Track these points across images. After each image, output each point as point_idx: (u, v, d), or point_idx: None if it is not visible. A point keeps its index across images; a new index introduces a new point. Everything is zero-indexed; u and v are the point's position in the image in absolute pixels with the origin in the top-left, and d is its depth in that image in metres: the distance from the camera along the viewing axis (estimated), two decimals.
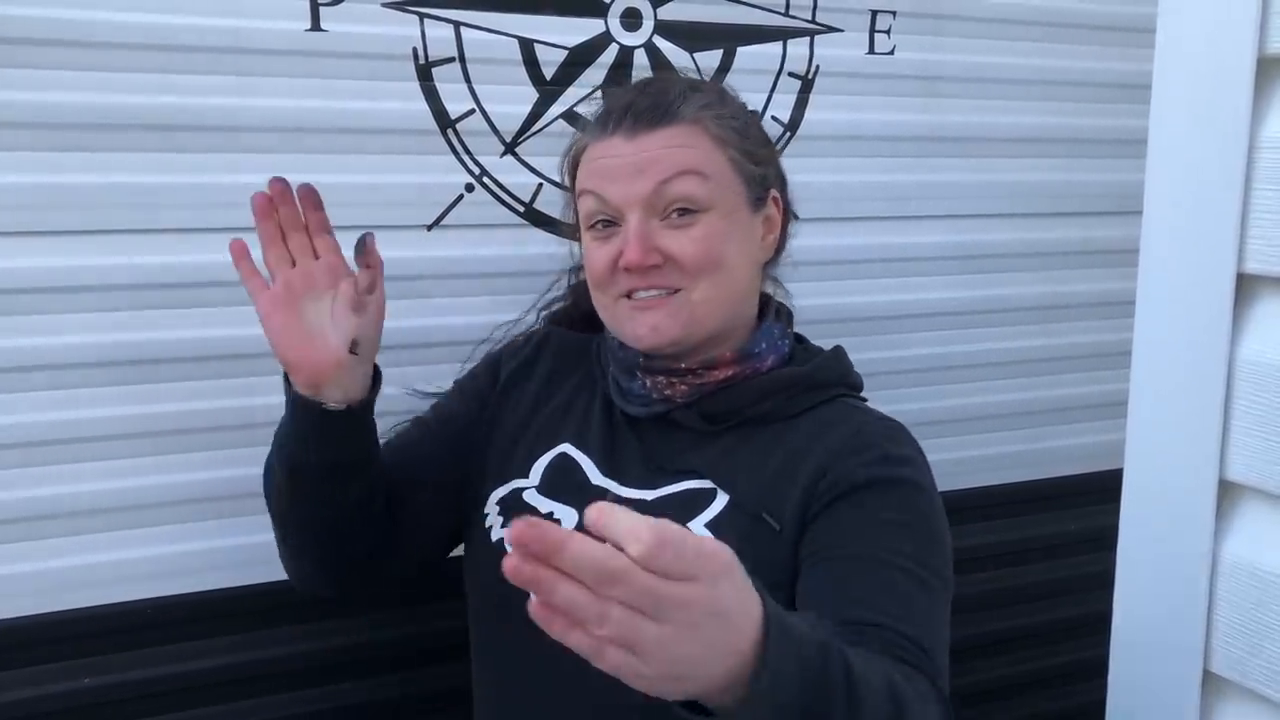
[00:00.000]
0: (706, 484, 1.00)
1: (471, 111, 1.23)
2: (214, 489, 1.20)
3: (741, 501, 0.98)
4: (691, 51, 1.31)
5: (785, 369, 1.06)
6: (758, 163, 1.03)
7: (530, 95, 1.25)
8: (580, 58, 1.26)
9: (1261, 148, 0.78)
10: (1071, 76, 1.50)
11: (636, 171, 0.98)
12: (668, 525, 0.55)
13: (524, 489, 1.05)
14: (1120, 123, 1.53)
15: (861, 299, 1.46)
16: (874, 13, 1.38)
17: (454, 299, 1.26)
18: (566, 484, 1.05)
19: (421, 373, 1.23)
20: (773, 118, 1.35)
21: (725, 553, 0.59)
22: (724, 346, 1.04)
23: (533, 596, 0.55)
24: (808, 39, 1.36)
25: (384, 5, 1.17)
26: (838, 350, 1.10)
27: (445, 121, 1.22)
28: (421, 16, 1.19)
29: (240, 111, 1.14)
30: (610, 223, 1.00)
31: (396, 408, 1.21)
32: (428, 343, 1.25)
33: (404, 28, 1.18)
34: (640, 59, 1.29)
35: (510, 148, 1.26)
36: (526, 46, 1.24)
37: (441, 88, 1.21)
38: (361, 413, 0.99)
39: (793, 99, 1.37)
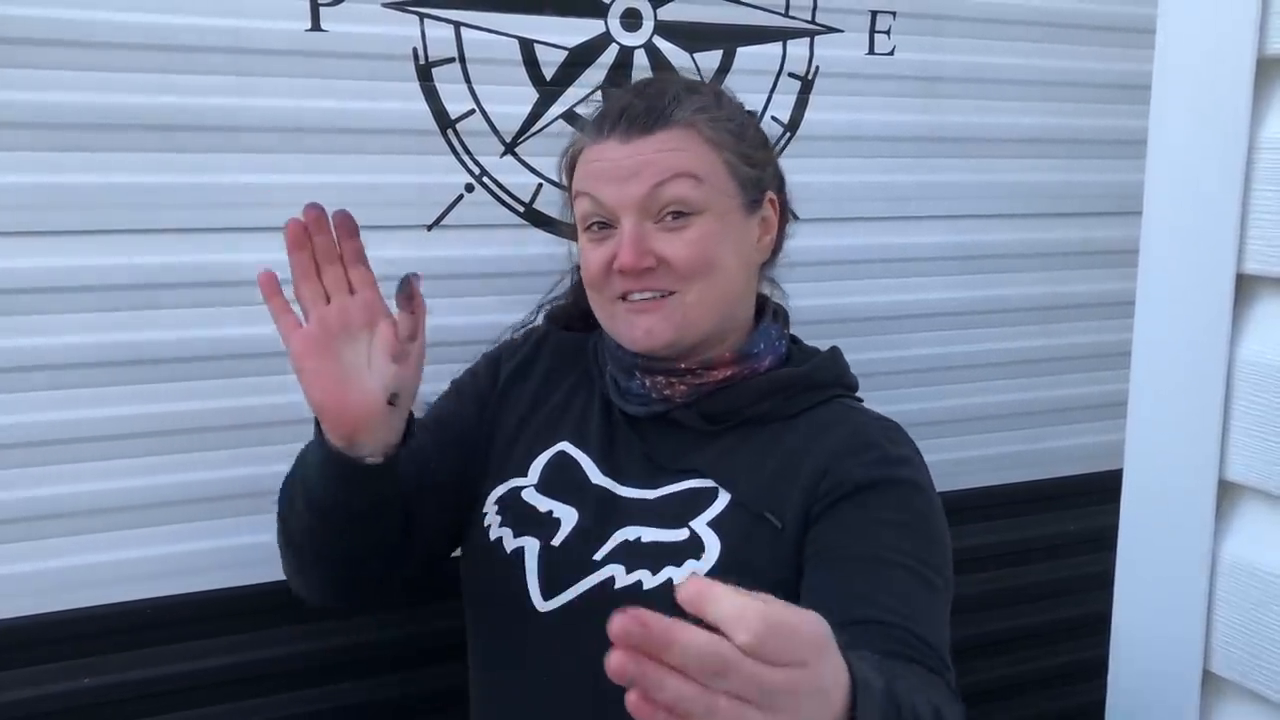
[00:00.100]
0: (708, 483, 1.00)
1: (471, 112, 1.23)
2: (214, 489, 1.20)
3: (743, 500, 0.98)
4: (691, 52, 1.31)
5: (783, 369, 1.06)
6: (753, 165, 1.04)
7: (530, 95, 1.25)
8: (580, 58, 1.26)
9: (1261, 148, 0.78)
10: (1071, 77, 1.50)
11: (631, 175, 0.98)
12: (772, 609, 0.53)
13: (522, 488, 1.05)
14: (1120, 123, 1.53)
15: (861, 299, 1.46)
16: (874, 13, 1.38)
17: (454, 299, 1.26)
18: (565, 482, 1.05)
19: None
20: (773, 118, 1.35)
21: (823, 628, 0.57)
22: (722, 347, 1.04)
23: (630, 691, 0.53)
24: (808, 39, 1.36)
25: (384, 5, 1.17)
26: (834, 351, 1.10)
27: (445, 122, 1.22)
28: (421, 17, 1.19)
29: (240, 111, 1.14)
30: (606, 225, 1.01)
31: None
32: (427, 343, 1.24)
33: (404, 28, 1.18)
34: (640, 59, 1.29)
35: (510, 148, 1.26)
36: (526, 47, 1.24)
37: (441, 88, 1.21)
38: (395, 459, 0.93)
39: (793, 99, 1.37)
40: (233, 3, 1.11)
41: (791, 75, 1.36)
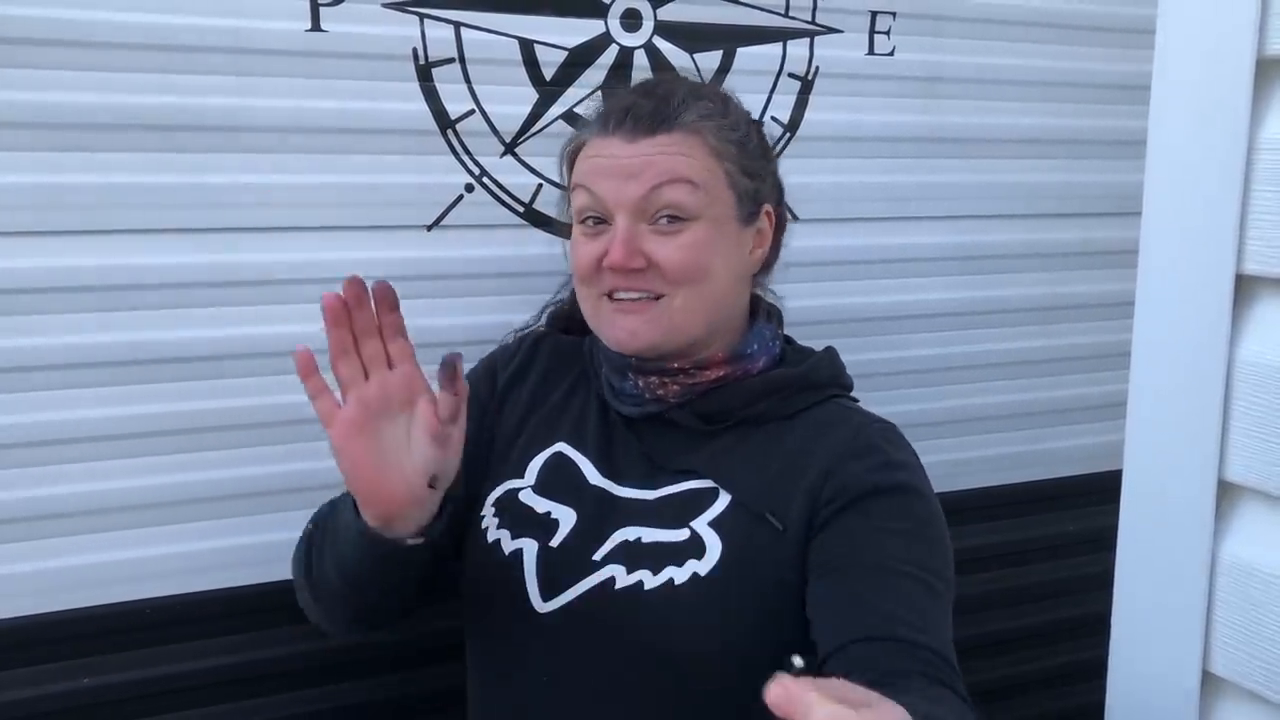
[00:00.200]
0: (707, 483, 1.01)
1: (471, 112, 1.23)
2: (214, 489, 1.20)
3: (743, 501, 0.98)
4: (691, 52, 1.31)
5: (778, 370, 1.06)
6: (753, 176, 1.03)
7: (530, 96, 1.25)
8: (580, 58, 1.26)
9: (1260, 149, 0.79)
10: (1071, 77, 1.50)
11: (630, 174, 0.98)
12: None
13: (519, 489, 1.05)
14: (1120, 124, 1.53)
15: (861, 300, 1.46)
16: (874, 14, 1.38)
17: (454, 299, 1.26)
18: (562, 483, 1.05)
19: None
20: (772, 118, 1.35)
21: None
22: (714, 348, 1.04)
23: None
24: (807, 40, 1.36)
25: (384, 5, 1.17)
26: (829, 351, 1.11)
27: (445, 122, 1.22)
28: (421, 17, 1.19)
29: (240, 111, 1.14)
30: (600, 220, 1.01)
31: None
32: (427, 343, 1.24)
33: (404, 28, 1.18)
34: (640, 60, 1.29)
35: (510, 148, 1.26)
36: (526, 47, 1.24)
37: (441, 88, 1.21)
38: (432, 533, 0.91)
39: (792, 100, 1.37)
40: (233, 3, 1.11)
41: (791, 75, 1.36)
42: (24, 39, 1.05)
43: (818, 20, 1.36)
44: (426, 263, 1.24)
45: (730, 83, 1.30)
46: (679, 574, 0.96)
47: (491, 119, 1.24)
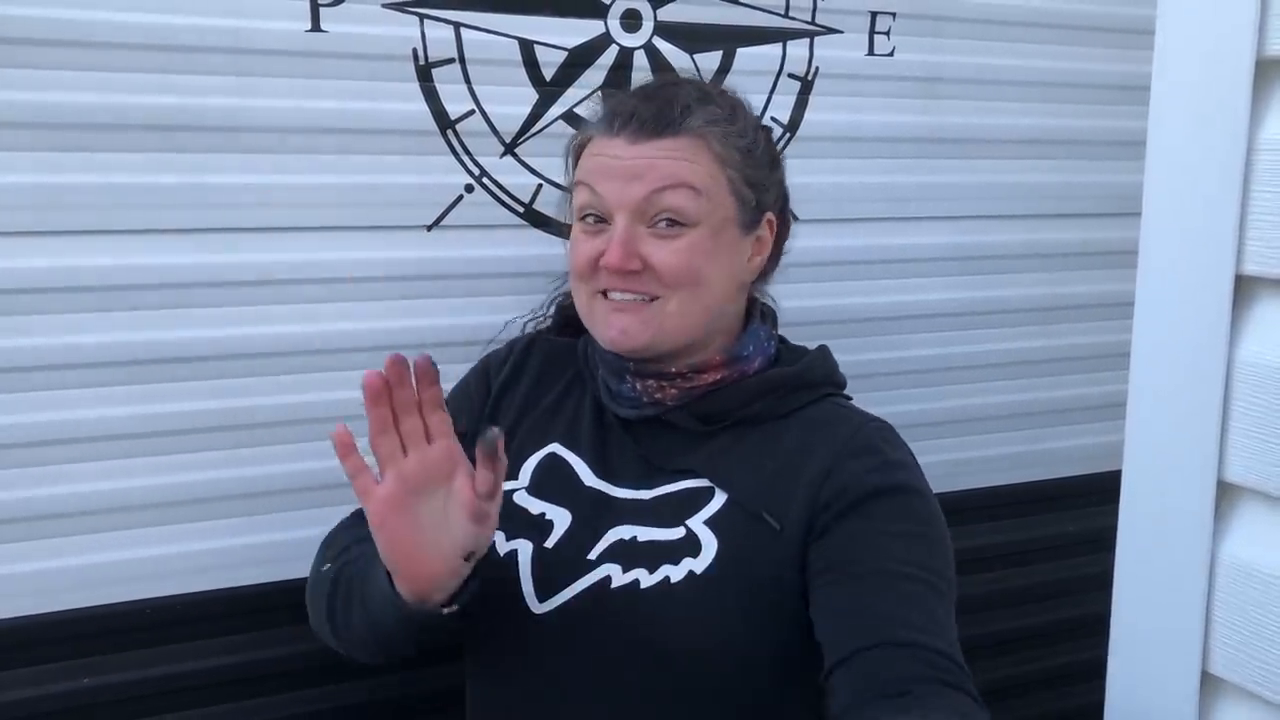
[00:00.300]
0: (704, 483, 1.01)
1: (471, 112, 1.23)
2: (214, 489, 1.20)
3: (740, 500, 0.98)
4: (691, 53, 1.31)
5: (774, 370, 1.06)
6: (757, 185, 1.03)
7: (530, 96, 1.25)
8: (580, 59, 1.26)
9: (1260, 149, 0.78)
10: (1071, 78, 1.50)
11: (633, 176, 0.98)
12: None
13: (513, 491, 1.05)
14: (1119, 124, 1.53)
15: (861, 300, 1.46)
16: (873, 14, 1.38)
17: (453, 299, 1.26)
18: (556, 484, 1.05)
19: None
20: (772, 119, 1.36)
21: None
22: (710, 350, 1.04)
23: None
24: (807, 40, 1.36)
25: (384, 6, 1.17)
26: (823, 349, 1.11)
27: (445, 122, 1.22)
28: (421, 17, 1.19)
29: (240, 111, 1.14)
30: (600, 219, 1.01)
31: None
32: (427, 343, 1.25)
33: (404, 28, 1.18)
34: (640, 60, 1.29)
35: (510, 148, 1.26)
36: (526, 47, 1.24)
37: (441, 88, 1.21)
38: (464, 599, 0.90)
39: (792, 100, 1.37)
40: (233, 3, 1.12)
41: (791, 76, 1.36)
42: (24, 39, 1.05)
43: (817, 21, 1.36)
44: (426, 263, 1.24)
45: (730, 83, 1.30)
46: (675, 572, 0.96)
47: (491, 119, 1.24)
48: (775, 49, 1.35)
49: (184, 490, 1.18)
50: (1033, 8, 1.46)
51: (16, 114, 1.06)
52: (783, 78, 1.36)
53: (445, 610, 0.88)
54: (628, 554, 0.99)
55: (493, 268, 1.27)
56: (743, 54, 1.33)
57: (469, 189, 1.25)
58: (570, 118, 1.25)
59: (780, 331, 1.14)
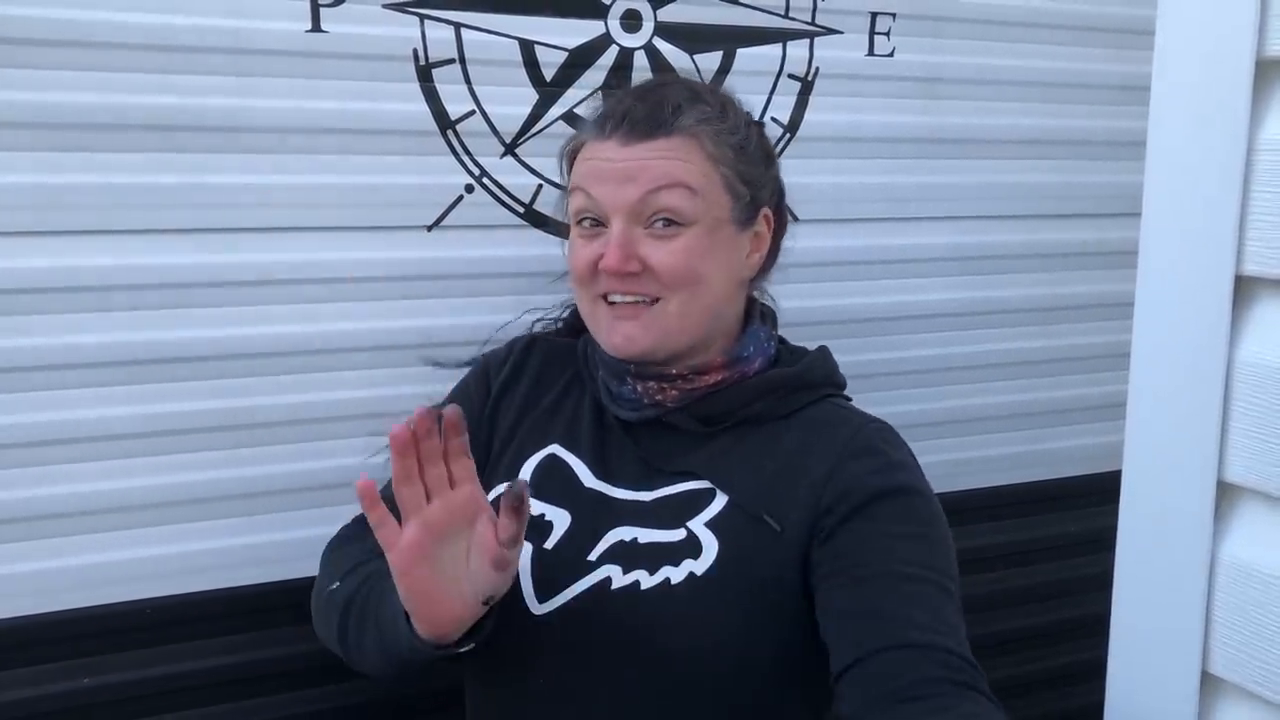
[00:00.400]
0: (704, 484, 1.01)
1: (471, 112, 1.23)
2: (213, 489, 1.20)
3: (741, 502, 0.98)
4: (691, 53, 1.31)
5: (774, 370, 1.06)
6: (752, 181, 1.03)
7: (530, 96, 1.25)
8: (580, 59, 1.26)
9: (1260, 150, 0.78)
10: (1071, 78, 1.50)
11: (626, 178, 0.98)
12: None
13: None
14: (1119, 124, 1.53)
15: (862, 300, 1.46)
16: (873, 15, 1.38)
17: (454, 299, 1.26)
18: (556, 485, 1.05)
19: (421, 373, 1.24)
20: (772, 119, 1.36)
21: None
22: (711, 352, 1.04)
23: None
24: (807, 41, 1.36)
25: (384, 6, 1.17)
26: (823, 350, 1.11)
27: (445, 122, 1.22)
28: (422, 18, 1.19)
29: (240, 111, 1.14)
30: (597, 222, 1.01)
31: (391, 408, 1.22)
32: (427, 343, 1.25)
33: (404, 29, 1.18)
34: (640, 60, 1.29)
35: (510, 149, 1.26)
36: (526, 48, 1.24)
37: (442, 89, 1.21)
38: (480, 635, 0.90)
39: (792, 100, 1.37)
40: (233, 3, 1.12)
41: (791, 76, 1.36)
42: (24, 39, 1.05)
43: (818, 21, 1.36)
44: (427, 263, 1.24)
45: (730, 83, 1.30)
46: (675, 574, 0.96)
47: (492, 119, 1.24)
48: (775, 49, 1.35)
49: (184, 490, 1.18)
50: (1033, 8, 1.46)
51: (16, 114, 1.06)
52: (783, 78, 1.36)
53: (461, 649, 0.89)
54: (628, 555, 0.98)
55: (493, 268, 1.27)
56: (743, 54, 1.33)
57: (469, 189, 1.25)
58: (570, 118, 1.25)
59: (780, 332, 1.14)
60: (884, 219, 1.45)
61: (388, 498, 0.82)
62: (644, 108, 1.00)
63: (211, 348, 1.17)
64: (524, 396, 1.12)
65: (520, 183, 1.27)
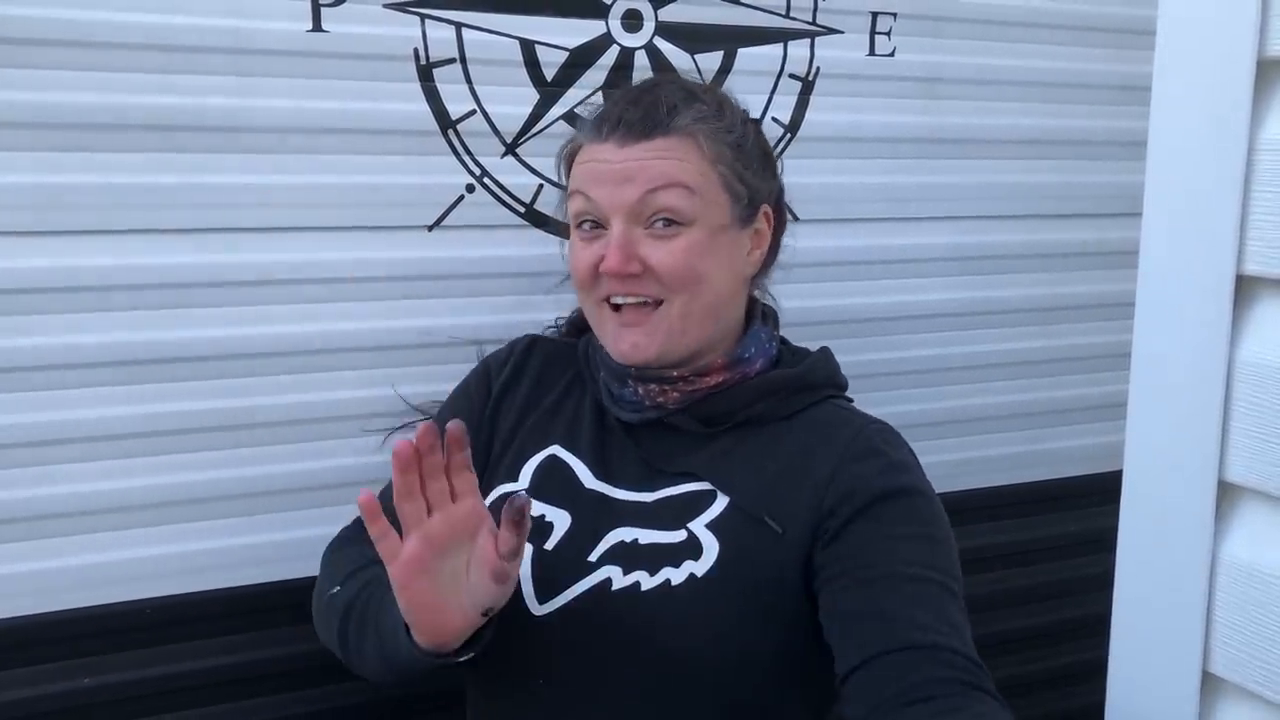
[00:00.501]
0: (705, 486, 1.01)
1: (472, 112, 1.23)
2: (213, 489, 1.20)
3: (742, 503, 0.98)
4: (692, 53, 1.31)
5: (776, 371, 1.06)
6: (750, 179, 1.03)
7: (531, 96, 1.25)
8: (581, 59, 1.26)
9: (1261, 150, 0.78)
10: (1071, 78, 1.50)
11: (624, 179, 0.98)
12: None
13: (513, 493, 1.05)
14: (1120, 124, 1.53)
15: (862, 300, 1.46)
16: (874, 14, 1.38)
17: (454, 299, 1.26)
18: (557, 486, 1.05)
19: (421, 373, 1.24)
20: (773, 119, 1.36)
21: None
22: (713, 354, 1.04)
23: None
24: (808, 40, 1.36)
25: (385, 6, 1.17)
26: (825, 351, 1.11)
27: (446, 122, 1.22)
28: (423, 17, 1.19)
29: (240, 111, 1.14)
30: (597, 224, 1.01)
31: (392, 408, 1.22)
32: (427, 343, 1.25)
33: (405, 29, 1.18)
34: (641, 60, 1.29)
35: (511, 148, 1.26)
36: (527, 47, 1.24)
37: (442, 88, 1.21)
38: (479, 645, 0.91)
39: (793, 100, 1.37)
40: (233, 3, 1.12)
41: (792, 76, 1.36)
42: (24, 39, 1.05)
43: (818, 21, 1.36)
44: (427, 263, 1.24)
45: (731, 83, 1.30)
46: (676, 575, 0.96)
47: (492, 119, 1.24)
48: (776, 49, 1.35)
49: (183, 490, 1.18)
50: (1033, 8, 1.46)
51: (16, 114, 1.06)
52: (784, 78, 1.36)
53: (460, 659, 0.89)
54: (628, 556, 0.98)
55: (494, 268, 1.27)
56: (744, 54, 1.33)
57: (470, 189, 1.25)
58: (571, 118, 1.25)
59: (781, 332, 1.14)
60: (884, 219, 1.45)
61: (386, 504, 0.82)
62: (640, 108, 1.00)
63: (211, 348, 1.17)
64: (525, 397, 1.12)
65: (521, 182, 1.27)
